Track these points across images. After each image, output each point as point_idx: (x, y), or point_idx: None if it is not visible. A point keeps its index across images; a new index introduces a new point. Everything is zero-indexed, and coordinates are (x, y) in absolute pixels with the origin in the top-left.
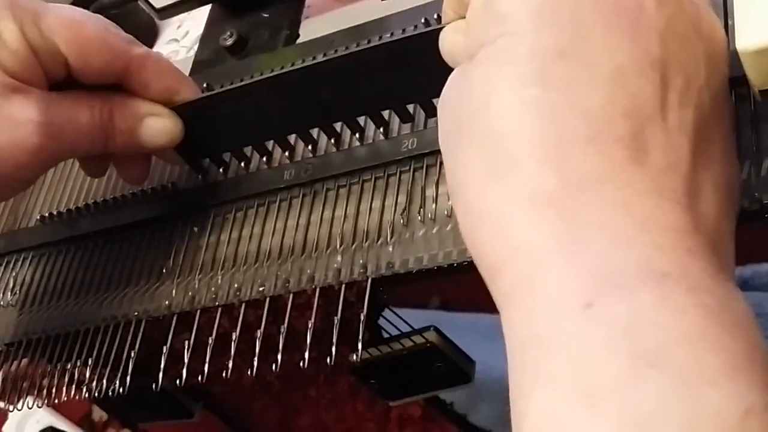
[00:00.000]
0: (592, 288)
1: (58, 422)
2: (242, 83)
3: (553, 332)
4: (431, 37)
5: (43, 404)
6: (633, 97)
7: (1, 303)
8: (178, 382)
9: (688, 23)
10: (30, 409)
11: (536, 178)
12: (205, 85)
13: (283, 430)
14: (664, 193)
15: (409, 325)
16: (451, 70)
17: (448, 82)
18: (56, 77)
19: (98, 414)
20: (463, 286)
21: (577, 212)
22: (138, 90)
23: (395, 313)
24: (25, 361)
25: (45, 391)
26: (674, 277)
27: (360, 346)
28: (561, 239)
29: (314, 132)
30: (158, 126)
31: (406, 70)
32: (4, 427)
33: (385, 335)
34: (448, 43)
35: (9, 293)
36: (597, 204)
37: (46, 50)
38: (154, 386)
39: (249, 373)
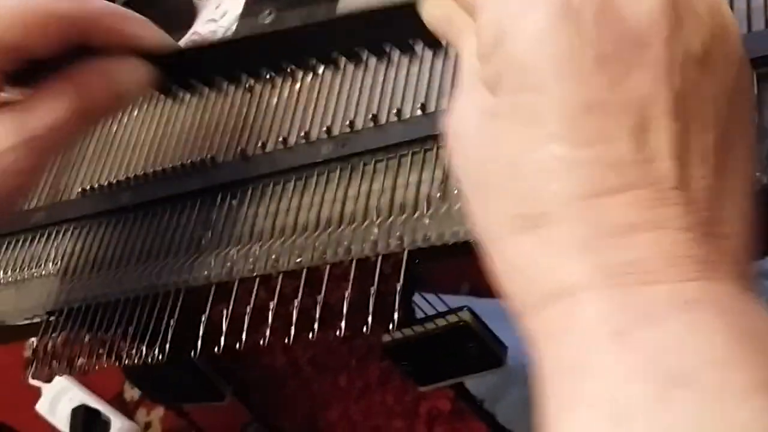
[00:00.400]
0: (623, 318)
1: (91, 400)
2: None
3: (585, 360)
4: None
5: (83, 370)
6: (658, 140)
7: (43, 273)
8: (216, 349)
9: (705, 35)
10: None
11: (569, 230)
12: None
13: (309, 424)
14: (692, 228)
15: (444, 305)
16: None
17: (461, 116)
18: (14, 68)
19: (130, 393)
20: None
21: (608, 254)
22: (102, 43)
23: (426, 299)
24: (62, 336)
25: (83, 360)
26: (703, 303)
27: (395, 316)
28: (594, 278)
29: (351, 111)
30: (135, 78)
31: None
32: (38, 405)
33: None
34: (427, 16)
35: (51, 264)
36: (627, 245)
37: None
38: (191, 354)
39: (285, 341)
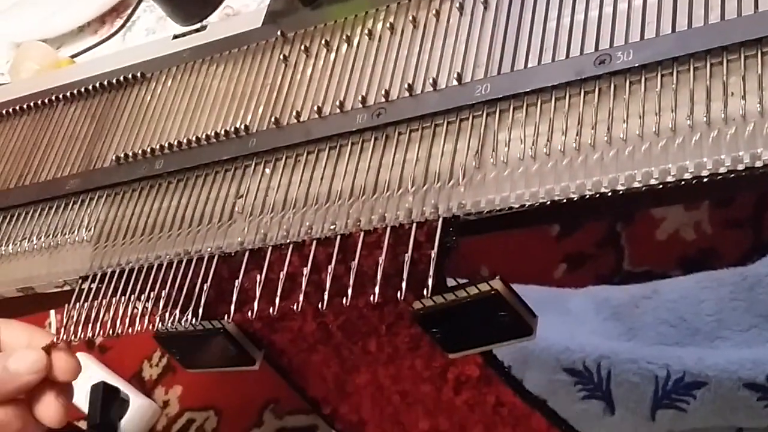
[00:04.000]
0: None
1: (110, 378)
2: None
3: None
4: None
5: (116, 335)
6: None
7: (76, 239)
8: (250, 314)
9: None
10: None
11: None
12: (279, 32)
13: (338, 389)
14: None
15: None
16: None
17: None
18: None
19: (148, 372)
20: (512, 258)
21: None
22: None
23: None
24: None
25: (117, 323)
26: None
27: (429, 283)
28: None
29: (386, 80)
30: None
31: None
32: None
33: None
34: None
35: (84, 230)
36: None
37: None
38: (225, 317)
39: (319, 307)
